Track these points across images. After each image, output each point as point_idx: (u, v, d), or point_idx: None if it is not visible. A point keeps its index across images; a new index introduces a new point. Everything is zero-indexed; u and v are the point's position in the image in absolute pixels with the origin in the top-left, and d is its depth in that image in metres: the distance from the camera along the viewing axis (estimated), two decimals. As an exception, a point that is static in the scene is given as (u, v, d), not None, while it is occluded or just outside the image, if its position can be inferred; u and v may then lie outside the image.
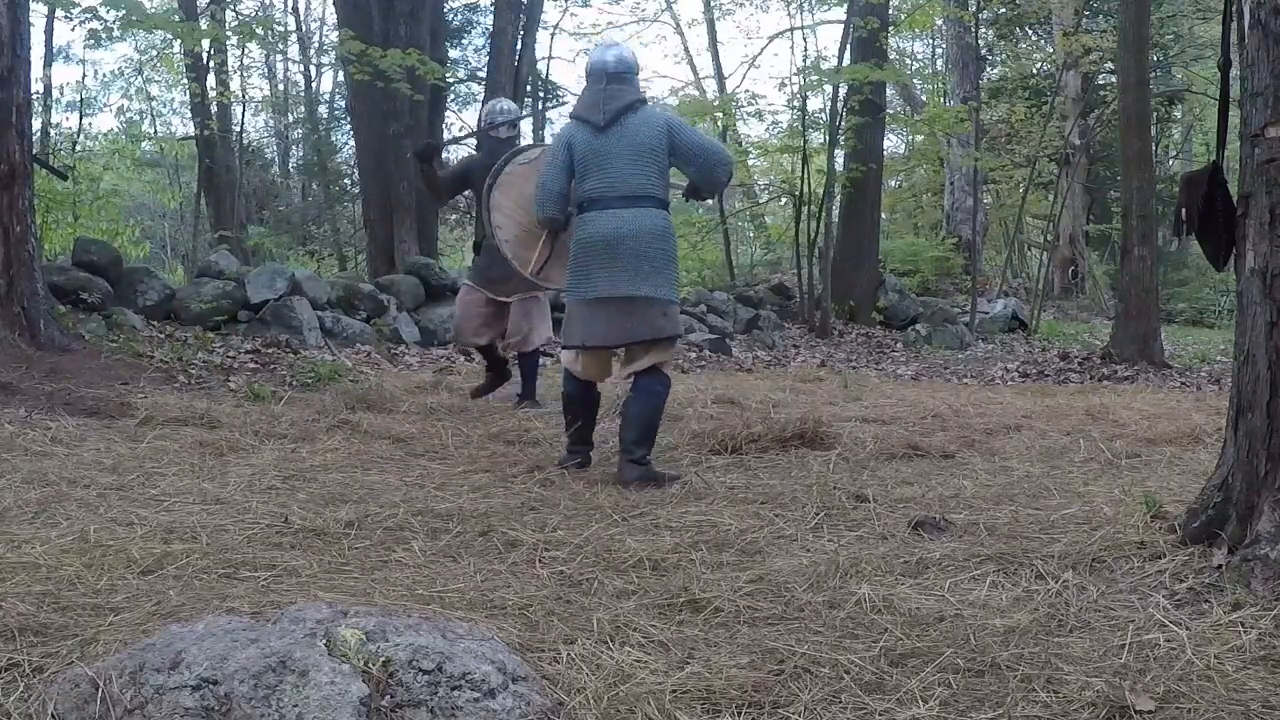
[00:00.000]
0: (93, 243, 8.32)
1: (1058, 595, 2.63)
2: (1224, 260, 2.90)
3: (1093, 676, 2.11)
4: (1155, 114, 14.67)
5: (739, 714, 2.01)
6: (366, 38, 10.69)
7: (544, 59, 17.51)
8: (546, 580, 2.81)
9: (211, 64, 13.21)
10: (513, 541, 3.17)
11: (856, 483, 3.99)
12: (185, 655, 1.87)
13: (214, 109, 14.00)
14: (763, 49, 33.43)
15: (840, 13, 15.25)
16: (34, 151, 7.14)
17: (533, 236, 4.74)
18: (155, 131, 17.86)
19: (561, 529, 3.31)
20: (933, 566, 2.89)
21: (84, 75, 16.64)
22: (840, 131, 12.34)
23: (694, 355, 9.64)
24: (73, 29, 12.81)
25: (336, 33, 13.74)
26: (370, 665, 1.88)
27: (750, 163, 17.70)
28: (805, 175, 12.50)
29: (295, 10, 20.50)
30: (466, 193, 6.70)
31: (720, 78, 22.97)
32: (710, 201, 15.91)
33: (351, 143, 15.61)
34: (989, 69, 20.63)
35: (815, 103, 15.05)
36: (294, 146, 21.61)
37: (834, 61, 13.84)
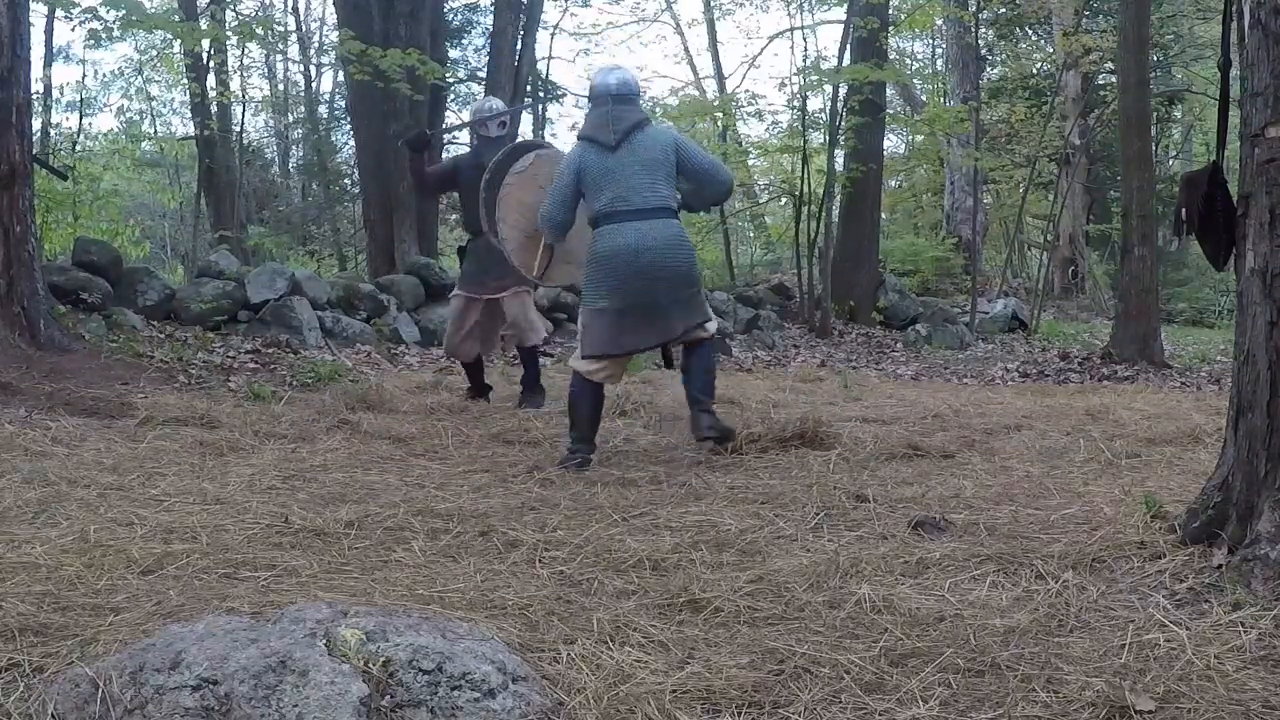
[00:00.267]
0: (93, 243, 8.32)
1: (1058, 595, 2.63)
2: (1224, 260, 2.90)
3: (1093, 676, 2.11)
4: (1155, 114, 14.67)
5: (739, 714, 2.01)
6: (366, 38, 10.68)
7: (544, 59, 17.51)
8: (546, 580, 2.81)
9: (211, 64, 13.20)
10: (513, 541, 3.17)
11: (856, 483, 3.98)
12: (185, 655, 1.87)
13: (214, 109, 13.99)
14: (763, 49, 33.43)
15: (840, 13, 15.26)
16: (34, 151, 7.13)
17: (533, 242, 4.87)
18: (155, 131, 17.86)
19: (561, 529, 3.31)
20: (933, 566, 2.89)
21: (84, 75, 16.64)
22: (840, 131, 12.34)
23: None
24: (73, 29, 12.81)
25: (336, 33, 13.74)
26: (370, 665, 1.88)
27: (750, 163, 17.71)
28: (805, 175, 12.50)
29: (295, 10, 20.51)
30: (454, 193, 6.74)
31: (720, 78, 22.99)
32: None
33: (351, 143, 15.61)
34: (989, 69, 20.62)
35: (815, 103, 15.07)
36: (294, 146, 21.61)
37: (834, 61, 13.83)
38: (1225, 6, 3.07)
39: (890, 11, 13.11)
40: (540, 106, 16.53)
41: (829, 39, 32.66)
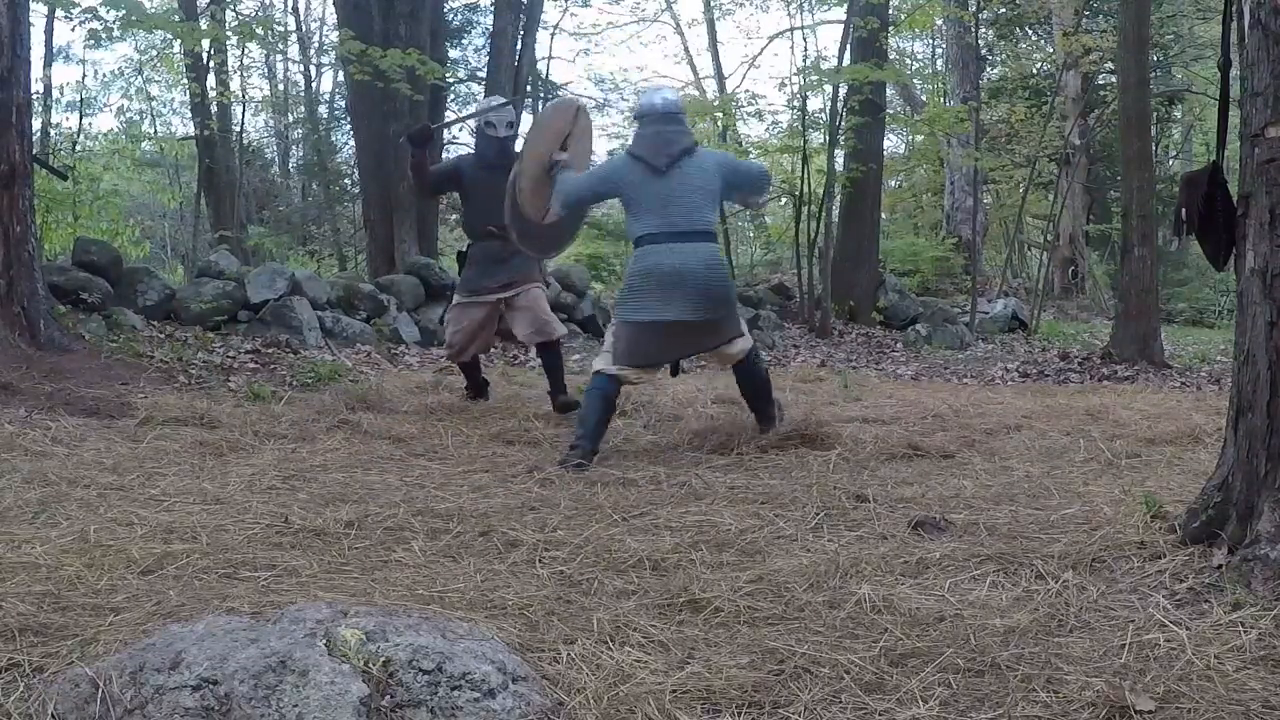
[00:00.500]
0: (93, 243, 8.31)
1: (1058, 595, 2.63)
2: (1224, 260, 2.90)
3: (1093, 676, 2.11)
4: (1155, 114, 14.67)
5: (739, 714, 2.01)
6: (366, 38, 10.68)
7: (544, 59, 17.53)
8: (546, 580, 2.81)
9: (211, 64, 13.19)
10: (513, 541, 3.17)
11: (856, 483, 3.98)
12: (185, 655, 1.87)
13: (214, 109, 13.99)
14: (763, 49, 33.41)
15: (840, 13, 15.26)
16: (34, 151, 7.13)
17: (541, 188, 5.05)
18: (155, 131, 17.85)
19: (561, 529, 3.31)
20: (933, 566, 2.89)
21: (84, 75, 16.64)
22: (840, 131, 12.34)
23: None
24: (73, 29, 12.81)
25: (336, 33, 13.74)
26: (370, 665, 1.88)
27: (750, 163, 17.64)
28: (805, 175, 12.50)
29: (295, 10, 20.51)
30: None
31: (720, 78, 22.99)
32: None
33: (351, 143, 15.61)
34: (989, 69, 20.62)
35: (815, 103, 15.06)
36: (294, 146, 21.61)
37: (834, 61, 13.83)
38: (1225, 6, 3.07)
39: (890, 11, 13.11)
40: (541, 107, 16.52)
41: (829, 39, 32.66)
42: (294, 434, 4.96)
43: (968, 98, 15.93)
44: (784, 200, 15.91)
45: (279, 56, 19.97)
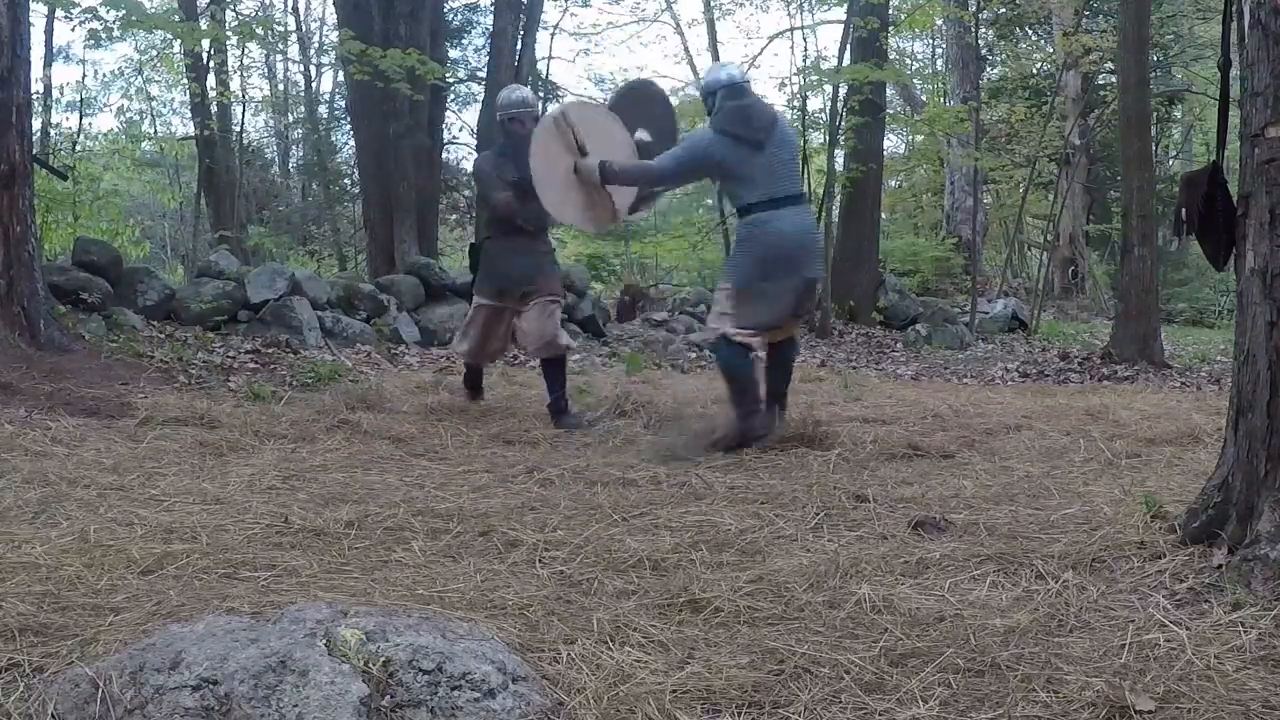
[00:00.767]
0: (93, 243, 8.32)
1: (1058, 595, 2.63)
2: (1224, 260, 2.90)
3: (1093, 676, 2.11)
4: (1155, 114, 14.67)
5: (739, 714, 2.01)
6: (366, 38, 10.68)
7: (544, 59, 17.50)
8: (546, 580, 2.81)
9: (211, 64, 13.20)
10: (513, 541, 3.17)
11: (856, 483, 3.98)
12: (185, 655, 1.87)
13: (214, 109, 13.99)
14: (763, 49, 33.34)
15: (840, 13, 15.25)
16: (34, 151, 7.13)
17: (594, 194, 5.13)
18: (155, 131, 17.87)
19: (561, 529, 3.31)
20: (933, 566, 2.89)
21: (84, 75, 16.65)
22: (840, 131, 12.34)
23: (694, 355, 9.64)
24: (73, 29, 12.82)
25: (336, 33, 13.74)
26: (370, 665, 1.88)
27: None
28: (805, 175, 12.51)
29: (295, 10, 20.50)
30: (467, 193, 6.56)
31: (720, 78, 22.93)
32: (711, 201, 15.84)
33: (351, 143, 15.61)
34: (989, 69, 20.63)
35: (815, 103, 15.07)
36: (294, 146, 21.62)
37: (834, 61, 13.84)
38: (1225, 6, 3.07)
39: (890, 11, 13.11)
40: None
41: (829, 39, 32.68)
42: (294, 434, 4.96)
43: (968, 98, 15.93)
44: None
45: (279, 56, 19.98)
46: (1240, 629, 2.31)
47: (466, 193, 16.99)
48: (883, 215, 15.92)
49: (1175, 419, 5.34)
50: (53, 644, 2.22)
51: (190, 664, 1.85)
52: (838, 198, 12.86)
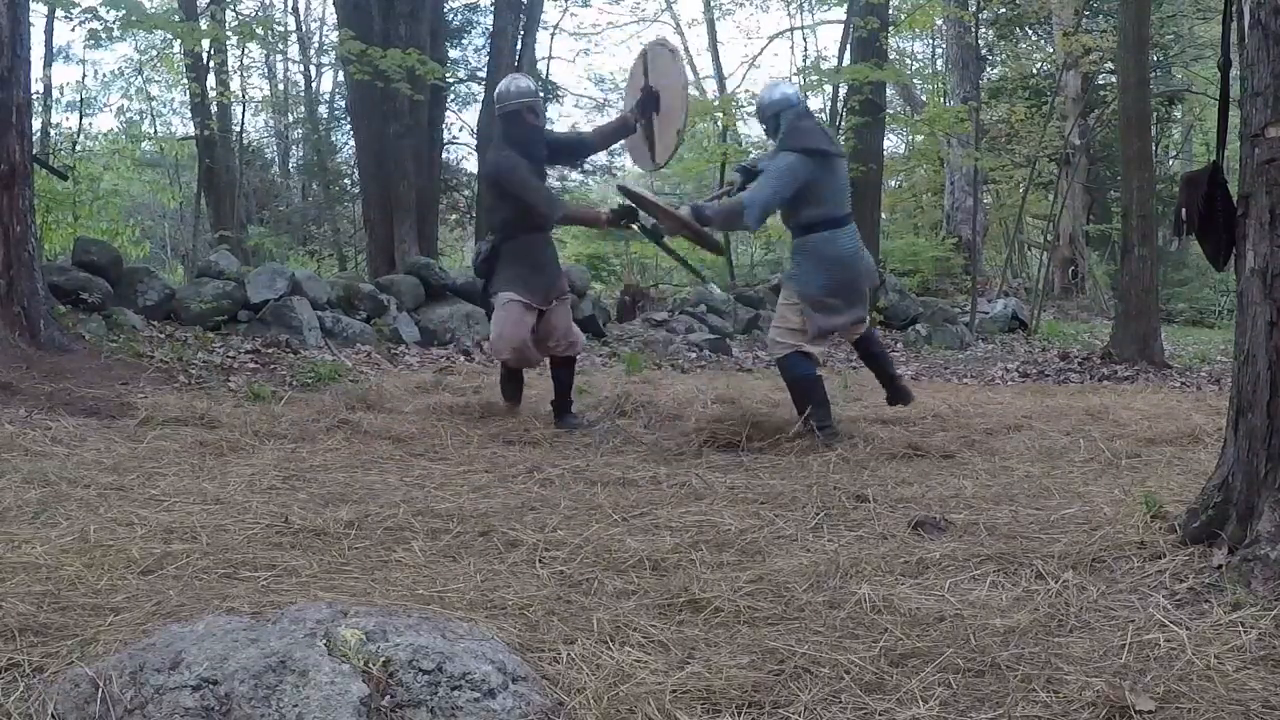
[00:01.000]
0: (93, 243, 8.32)
1: (1058, 595, 2.63)
2: (1224, 260, 2.90)
3: (1093, 676, 2.11)
4: (1155, 114, 14.67)
5: (739, 714, 2.01)
6: (366, 38, 10.68)
7: (544, 59, 17.53)
8: (546, 580, 2.81)
9: (211, 64, 13.20)
10: (513, 541, 3.17)
11: (856, 483, 3.98)
12: (185, 655, 1.87)
13: (214, 109, 14.00)
14: (763, 49, 33.45)
15: (840, 13, 15.27)
16: (34, 151, 7.13)
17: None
18: (155, 131, 17.87)
19: (561, 529, 3.31)
20: (933, 566, 2.89)
21: (84, 75, 16.66)
22: (840, 131, 12.33)
23: (694, 355, 9.64)
24: (73, 29, 12.83)
25: (336, 33, 13.75)
26: (370, 665, 1.88)
27: (750, 163, 17.62)
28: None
29: (295, 10, 20.53)
30: (466, 193, 6.47)
31: (720, 78, 23.00)
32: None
33: (351, 143, 15.61)
34: (989, 69, 20.63)
35: (815, 103, 15.05)
36: (294, 146, 21.62)
37: (834, 61, 13.85)
38: (1225, 6, 3.07)
39: (890, 11, 13.12)
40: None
41: (829, 39, 32.68)
42: (294, 434, 4.96)
43: (968, 98, 15.93)
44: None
45: (279, 56, 20.00)
46: (1240, 629, 2.31)
47: (466, 193, 17.01)
48: (883, 215, 15.92)
49: (1175, 419, 5.34)
50: (53, 644, 2.22)
51: (190, 664, 1.85)
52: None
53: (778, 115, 5.00)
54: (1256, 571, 2.54)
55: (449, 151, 16.69)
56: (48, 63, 12.51)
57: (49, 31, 12.40)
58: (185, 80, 14.53)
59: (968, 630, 2.39)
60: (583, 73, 43.24)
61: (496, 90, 5.50)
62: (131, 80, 17.85)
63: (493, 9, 14.01)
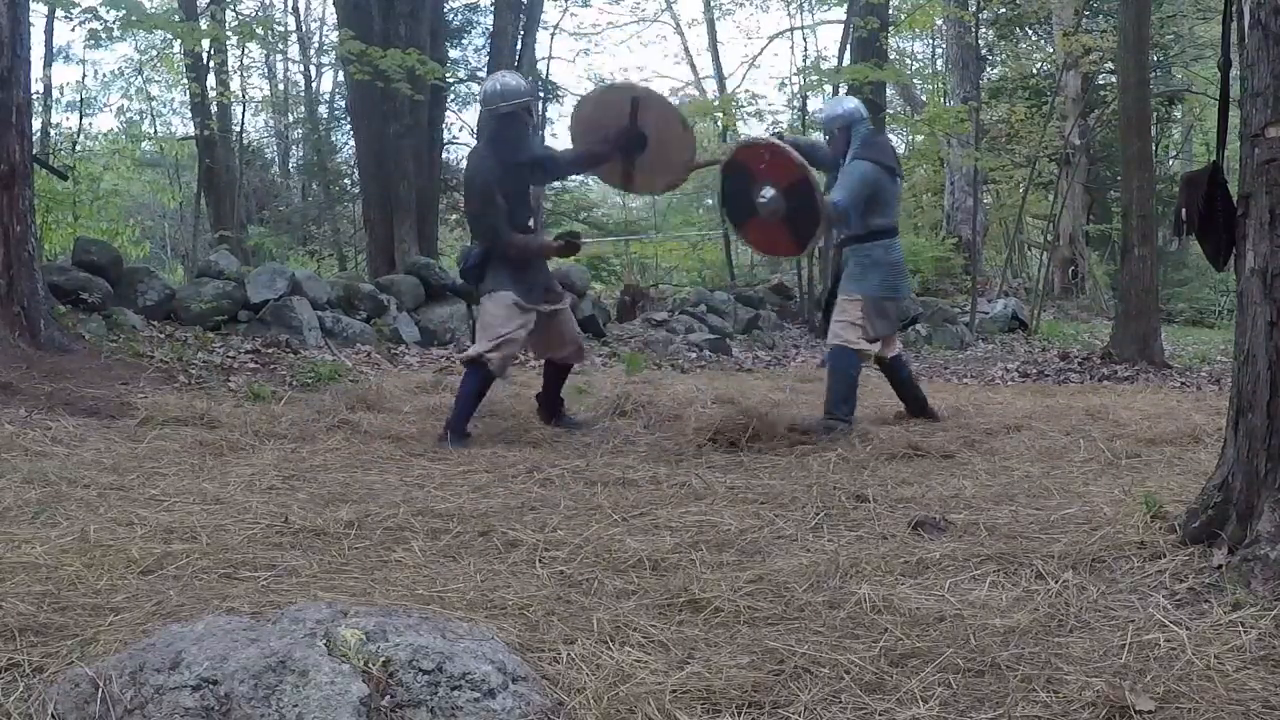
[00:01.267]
0: (93, 243, 8.32)
1: (1058, 595, 2.63)
2: (1224, 260, 2.90)
3: (1093, 676, 2.11)
4: (1155, 114, 14.66)
5: (739, 714, 2.01)
6: (366, 38, 10.68)
7: (544, 59, 17.51)
8: (546, 580, 2.81)
9: (211, 64, 13.21)
10: (513, 541, 3.17)
11: (856, 483, 3.98)
12: (185, 655, 1.87)
13: (214, 109, 14.00)
14: (763, 49, 33.45)
15: (840, 13, 15.27)
16: (34, 151, 7.13)
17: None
18: (155, 131, 17.88)
19: (561, 529, 3.31)
20: (933, 566, 2.89)
21: (84, 75, 16.69)
22: (840, 131, 12.32)
23: (694, 355, 9.64)
24: (73, 29, 12.83)
25: (336, 33, 13.75)
26: (370, 665, 1.88)
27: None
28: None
29: (295, 10, 20.53)
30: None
31: (720, 78, 22.96)
32: (711, 202, 15.85)
33: (351, 143, 15.61)
34: (989, 69, 20.63)
35: (815, 103, 15.06)
36: (294, 146, 21.63)
37: (834, 61, 13.85)
38: (1225, 6, 3.07)
39: (890, 11, 13.13)
40: (541, 106, 16.52)
41: (829, 39, 32.70)
42: (294, 434, 4.96)
43: (968, 98, 15.93)
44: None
45: (279, 56, 20.00)
46: (1240, 629, 2.31)
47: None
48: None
49: (1175, 419, 5.34)
50: (53, 644, 2.23)
51: (190, 664, 1.85)
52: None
53: (850, 127, 5.33)
54: (1256, 571, 2.54)
55: (449, 151, 16.70)
56: (48, 63, 12.52)
57: (49, 31, 12.41)
58: (185, 80, 14.54)
59: (968, 630, 2.39)
60: (583, 73, 43.25)
61: (486, 89, 5.24)
62: (131, 80, 17.87)
63: (493, 9, 14.01)
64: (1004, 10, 18.40)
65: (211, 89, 13.36)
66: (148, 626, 2.30)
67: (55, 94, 13.16)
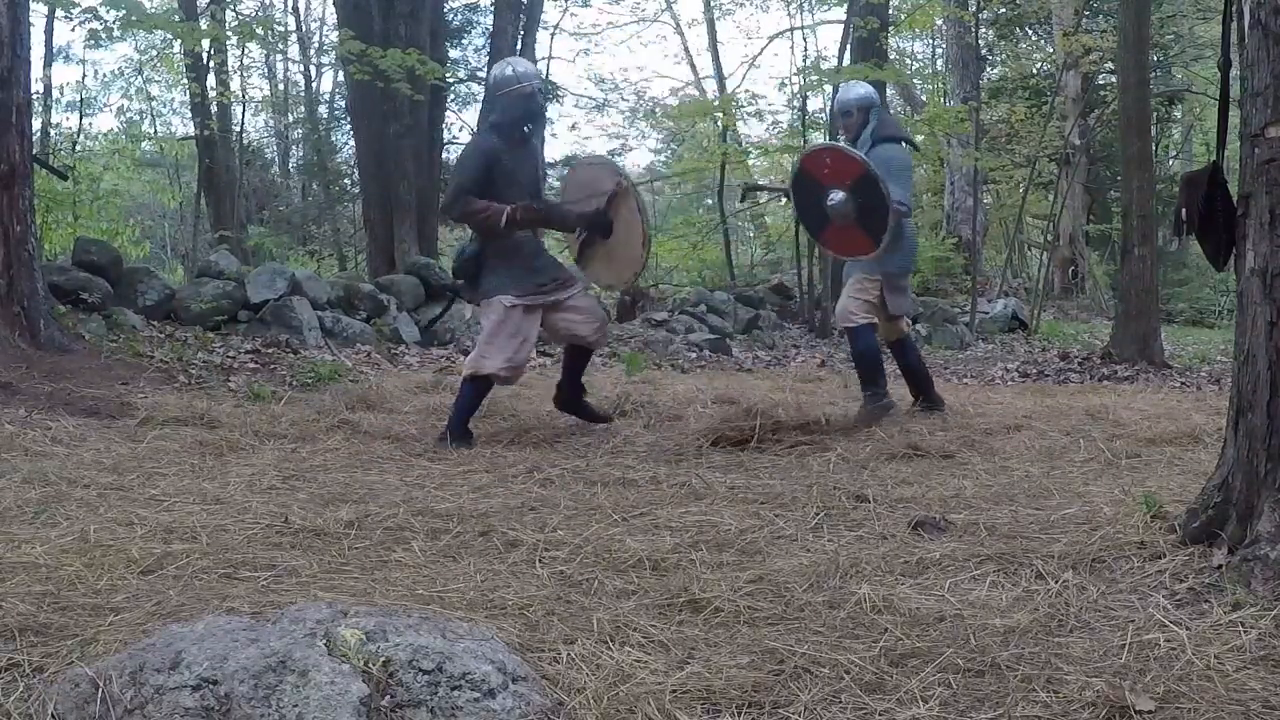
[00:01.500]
0: (93, 243, 8.32)
1: (1058, 595, 2.63)
2: (1224, 260, 2.90)
3: (1093, 676, 2.11)
4: (1155, 114, 14.66)
5: (739, 714, 2.01)
6: (366, 38, 10.69)
7: (544, 59, 17.51)
8: (546, 580, 2.81)
9: (211, 64, 13.21)
10: (513, 541, 3.17)
11: (856, 483, 3.98)
12: (185, 655, 1.87)
13: (214, 109, 14.00)
14: (763, 49, 33.39)
15: (840, 13, 15.27)
16: (34, 151, 7.14)
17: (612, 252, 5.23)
18: (155, 131, 17.90)
19: (561, 529, 3.31)
20: (933, 566, 2.89)
21: (84, 75, 16.66)
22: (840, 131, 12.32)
23: (694, 355, 9.64)
24: (73, 29, 12.81)
25: (336, 33, 13.75)
26: (370, 665, 1.88)
27: (750, 163, 17.71)
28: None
29: (295, 10, 20.53)
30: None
31: (720, 78, 22.99)
32: (710, 201, 15.87)
33: (351, 143, 15.62)
34: (989, 69, 20.63)
35: (815, 103, 15.08)
36: (294, 146, 21.63)
37: (834, 61, 13.85)
38: (1225, 6, 3.07)
39: (890, 11, 13.12)
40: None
41: (829, 39, 32.67)
42: (294, 434, 4.96)
43: (968, 98, 15.93)
44: (784, 200, 15.90)
45: (279, 56, 20.00)
46: (1240, 629, 2.31)
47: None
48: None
49: (1175, 419, 5.34)
50: (53, 644, 2.22)
51: (190, 664, 1.85)
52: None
53: (869, 109, 5.38)
54: (1256, 571, 2.54)
55: (449, 151, 16.68)
56: (48, 63, 12.53)
57: (49, 31, 12.42)
58: (185, 80, 14.54)
59: (968, 630, 2.39)
60: (583, 73, 43.34)
61: (501, 73, 5.06)
62: (131, 80, 17.88)
63: (493, 9, 14.01)
64: (1004, 10, 18.41)
65: (211, 89, 13.36)
66: (148, 626, 2.30)
67: (55, 94, 13.19)
